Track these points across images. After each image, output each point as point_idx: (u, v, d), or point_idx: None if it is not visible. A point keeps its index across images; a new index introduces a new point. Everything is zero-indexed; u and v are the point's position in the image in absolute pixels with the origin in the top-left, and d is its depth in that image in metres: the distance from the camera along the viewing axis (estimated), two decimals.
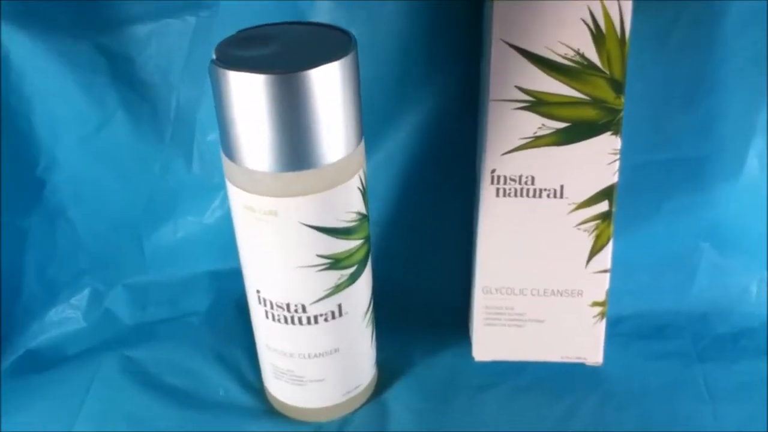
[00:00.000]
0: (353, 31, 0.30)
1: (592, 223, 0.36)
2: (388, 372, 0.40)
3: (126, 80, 0.40)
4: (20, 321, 0.43)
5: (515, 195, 0.36)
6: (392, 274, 0.41)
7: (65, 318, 0.44)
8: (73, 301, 0.45)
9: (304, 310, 0.33)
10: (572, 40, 0.32)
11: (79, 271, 0.44)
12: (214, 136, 0.42)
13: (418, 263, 0.44)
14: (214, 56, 0.28)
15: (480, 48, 0.37)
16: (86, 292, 0.45)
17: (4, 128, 0.39)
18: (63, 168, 0.42)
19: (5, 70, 0.38)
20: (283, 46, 0.29)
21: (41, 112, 0.40)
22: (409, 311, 0.43)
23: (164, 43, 0.39)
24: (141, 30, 0.39)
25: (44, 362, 0.42)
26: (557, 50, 0.32)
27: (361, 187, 0.32)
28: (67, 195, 0.42)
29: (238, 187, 0.30)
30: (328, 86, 0.28)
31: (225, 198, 0.44)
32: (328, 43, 0.29)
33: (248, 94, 0.27)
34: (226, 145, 0.30)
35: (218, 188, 0.44)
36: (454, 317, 0.43)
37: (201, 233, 0.45)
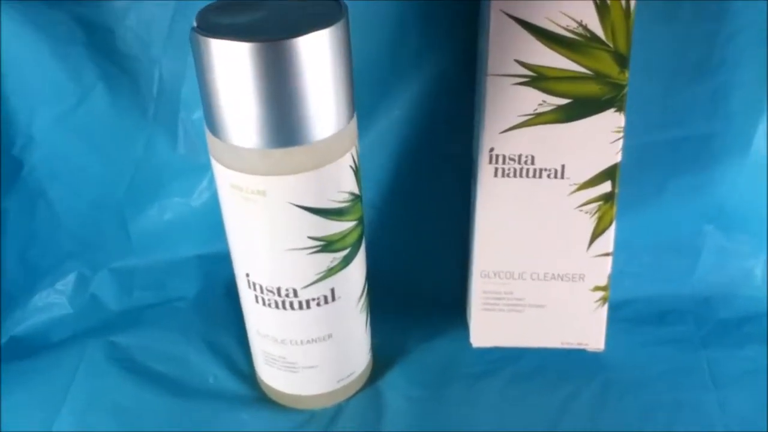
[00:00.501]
0: (345, 3, 0.29)
1: (594, 205, 0.35)
2: (383, 359, 0.39)
3: (105, 53, 0.39)
4: (2, 307, 0.42)
5: (514, 175, 0.35)
6: (387, 258, 0.40)
7: (50, 303, 0.44)
8: (58, 286, 0.44)
9: (295, 294, 0.32)
10: (575, 11, 0.31)
11: (62, 254, 0.43)
12: (199, 113, 0.41)
13: (413, 246, 0.44)
14: (194, 24, 0.27)
15: (478, 20, 0.36)
16: (71, 276, 0.44)
17: None
18: (41, 146, 0.40)
19: None
20: (270, 13, 0.28)
21: (17, 88, 0.39)
22: (404, 296, 0.43)
23: (145, 14, 0.38)
24: None
25: (29, 349, 0.41)
26: (559, 22, 0.31)
27: (353, 166, 0.30)
28: (45, 175, 0.41)
29: (223, 165, 0.29)
30: (318, 55, 0.26)
31: (213, 179, 0.42)
32: (317, 11, 0.28)
33: (232, 64, 0.26)
34: (210, 120, 0.28)
35: (205, 168, 0.42)
36: (451, 302, 0.42)
37: (188, 215, 0.44)
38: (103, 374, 0.39)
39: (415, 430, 0.36)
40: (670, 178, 0.41)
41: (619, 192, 0.35)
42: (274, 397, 0.37)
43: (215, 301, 0.43)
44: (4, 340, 0.42)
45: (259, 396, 0.38)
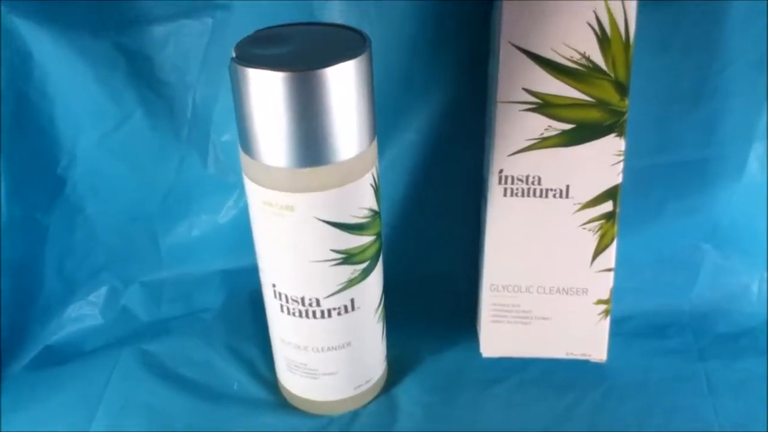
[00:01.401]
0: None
1: (597, 223, 0.37)
2: (397, 368, 0.41)
3: (144, 79, 0.41)
4: (40, 317, 0.44)
5: (522, 195, 0.37)
6: (402, 272, 0.42)
7: (83, 314, 0.45)
8: (91, 297, 0.46)
9: (318, 303, 0.34)
10: (578, 43, 0.33)
11: (96, 267, 0.45)
12: (228, 135, 0.43)
13: (427, 262, 0.45)
14: (233, 54, 0.29)
15: (487, 49, 0.38)
16: (104, 289, 0.46)
17: (27, 126, 0.40)
18: (82, 165, 0.43)
19: (29, 69, 0.40)
20: (300, 45, 0.30)
21: (63, 111, 0.41)
22: (418, 308, 0.44)
23: (181, 44, 0.40)
24: (159, 30, 0.40)
25: (63, 357, 0.43)
26: (564, 53, 0.34)
27: (373, 184, 0.33)
28: (85, 192, 0.43)
29: (255, 182, 0.31)
30: (344, 84, 0.29)
31: (239, 197, 0.45)
32: (342, 43, 0.30)
33: (267, 91, 0.28)
34: (245, 141, 0.31)
35: (233, 187, 0.45)
36: (462, 314, 0.44)
37: (215, 231, 0.46)
38: (136, 379, 0.41)
39: None
40: (669, 199, 0.43)
41: (620, 211, 0.36)
42: (294, 403, 0.39)
43: (239, 312, 0.45)
44: (39, 348, 0.44)
45: (281, 401, 0.39)
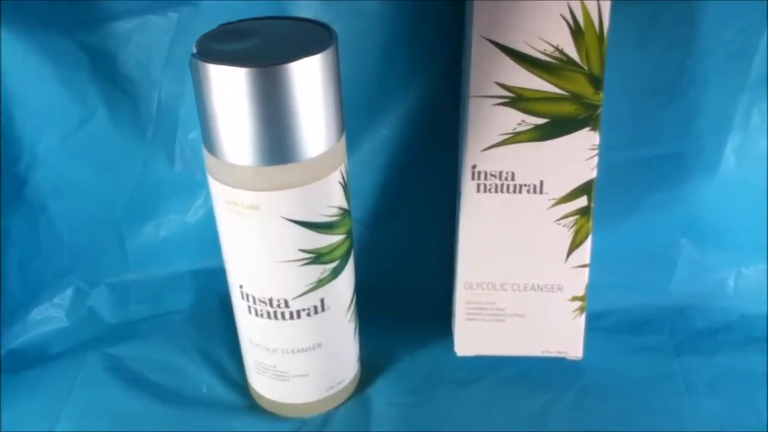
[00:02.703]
0: (335, 27, 0.30)
1: (572, 218, 0.37)
2: (371, 367, 0.41)
3: (107, 77, 0.40)
4: (3, 321, 0.43)
5: (496, 191, 0.36)
6: (375, 270, 0.42)
7: (48, 317, 0.44)
8: (56, 300, 0.45)
9: (286, 305, 0.33)
10: (552, 36, 0.33)
11: (61, 270, 0.44)
12: (196, 133, 0.42)
13: (400, 260, 0.45)
14: (194, 50, 0.29)
15: (461, 45, 0.38)
16: (69, 291, 0.45)
17: None
18: (44, 165, 0.41)
19: None
20: (264, 40, 0.29)
21: (23, 109, 0.40)
22: (391, 307, 0.44)
23: (146, 40, 0.39)
24: (122, 26, 0.39)
25: (27, 361, 0.42)
26: (537, 46, 0.33)
27: (342, 182, 0.32)
28: (48, 192, 0.42)
29: (219, 181, 0.31)
30: (309, 79, 0.28)
31: (208, 196, 0.43)
32: (308, 37, 0.29)
33: (229, 88, 0.28)
34: (208, 139, 0.30)
35: (201, 186, 0.44)
36: (436, 313, 0.43)
37: (184, 232, 0.45)
38: (101, 384, 0.40)
39: None
40: (645, 194, 0.43)
41: (596, 206, 0.36)
42: (265, 406, 0.38)
43: (209, 314, 0.44)
44: (3, 352, 0.43)
45: (251, 405, 0.39)
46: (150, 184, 0.43)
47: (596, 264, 0.38)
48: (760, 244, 0.43)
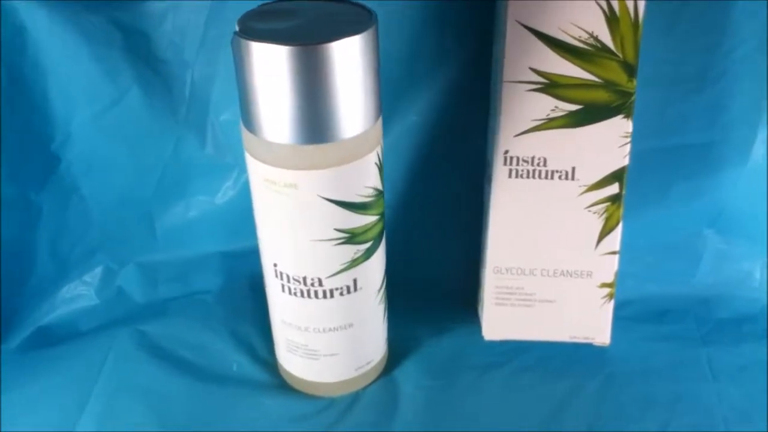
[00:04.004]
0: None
1: (602, 205, 0.37)
2: (398, 350, 0.41)
3: (141, 56, 0.40)
4: (32, 298, 0.44)
5: (527, 176, 0.36)
6: (403, 255, 0.41)
7: (77, 295, 0.45)
8: (86, 278, 0.45)
9: (320, 283, 0.34)
10: (586, 22, 0.33)
11: (91, 248, 0.45)
12: (227, 115, 0.42)
13: (428, 244, 0.45)
14: (237, 28, 0.29)
15: (492, 29, 0.38)
16: (98, 269, 0.45)
17: (20, 102, 0.40)
18: (77, 143, 0.42)
19: (23, 44, 0.39)
20: (304, 19, 0.30)
21: (57, 87, 0.40)
22: (419, 291, 0.44)
23: (180, 20, 0.40)
24: (157, 6, 0.39)
25: (57, 338, 0.43)
26: (571, 32, 0.33)
27: (378, 163, 0.32)
28: (80, 171, 0.43)
29: (257, 159, 0.31)
30: (349, 59, 0.28)
31: (237, 178, 0.44)
32: (348, 18, 0.30)
33: (270, 66, 0.28)
34: (247, 117, 0.30)
35: (231, 168, 0.44)
36: (463, 297, 0.43)
37: (212, 213, 0.45)
38: (132, 360, 0.40)
39: (427, 417, 0.37)
40: (673, 183, 0.43)
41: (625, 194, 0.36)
42: (294, 384, 0.39)
43: (238, 294, 0.45)
44: (33, 329, 0.43)
45: (280, 383, 0.39)
46: (180, 165, 0.44)
47: (623, 252, 0.38)
48: None
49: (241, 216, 0.40)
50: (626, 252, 0.39)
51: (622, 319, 0.42)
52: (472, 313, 0.43)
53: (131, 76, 0.41)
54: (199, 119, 0.43)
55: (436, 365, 0.40)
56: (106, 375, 0.39)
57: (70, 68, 0.40)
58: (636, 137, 0.36)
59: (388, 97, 0.40)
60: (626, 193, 0.37)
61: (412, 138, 0.43)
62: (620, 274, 0.39)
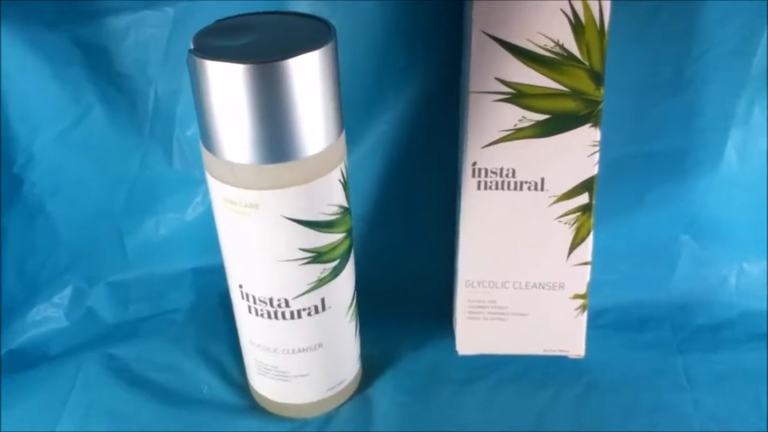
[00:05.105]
0: (334, 23, 0.30)
1: (573, 216, 0.36)
2: (372, 367, 0.40)
3: (103, 73, 0.40)
4: (1, 321, 0.43)
5: (496, 188, 0.36)
6: (376, 269, 0.41)
7: (47, 317, 0.44)
8: (55, 299, 0.44)
9: (287, 304, 0.33)
10: (552, 31, 0.32)
11: (60, 269, 0.44)
12: (193, 130, 0.42)
13: (401, 258, 0.45)
14: (191, 46, 0.28)
15: (460, 40, 0.37)
16: (68, 290, 0.44)
17: None
18: (40, 164, 0.41)
19: None
20: (262, 35, 0.29)
21: (18, 108, 0.40)
22: (392, 306, 0.44)
23: (142, 35, 0.39)
24: (118, 22, 0.39)
25: (27, 362, 0.42)
26: (537, 41, 0.33)
27: (342, 180, 0.32)
28: (45, 191, 0.42)
29: (218, 179, 0.30)
30: (308, 76, 0.28)
31: (207, 193, 0.43)
32: (307, 33, 0.29)
33: (227, 84, 0.27)
34: (206, 136, 0.30)
35: (200, 183, 0.43)
36: (437, 311, 0.43)
37: (183, 229, 0.45)
38: (101, 384, 0.39)
39: None
40: (646, 190, 0.42)
41: (597, 203, 0.36)
42: (266, 406, 0.38)
43: (209, 312, 0.44)
44: (3, 352, 0.42)
45: (252, 405, 0.38)
46: (148, 181, 0.43)
47: (597, 260, 0.38)
48: (762, 240, 0.43)
49: (211, 232, 0.39)
50: (602, 259, 0.39)
51: (599, 327, 0.41)
52: (448, 327, 0.42)
53: (94, 94, 0.40)
54: (164, 135, 0.42)
55: (412, 381, 0.40)
56: (74, 400, 0.39)
57: (30, 88, 0.39)
58: (609, 144, 0.36)
59: (359, 108, 0.40)
60: (600, 201, 0.36)
61: (384, 149, 0.42)
62: (596, 283, 0.38)
